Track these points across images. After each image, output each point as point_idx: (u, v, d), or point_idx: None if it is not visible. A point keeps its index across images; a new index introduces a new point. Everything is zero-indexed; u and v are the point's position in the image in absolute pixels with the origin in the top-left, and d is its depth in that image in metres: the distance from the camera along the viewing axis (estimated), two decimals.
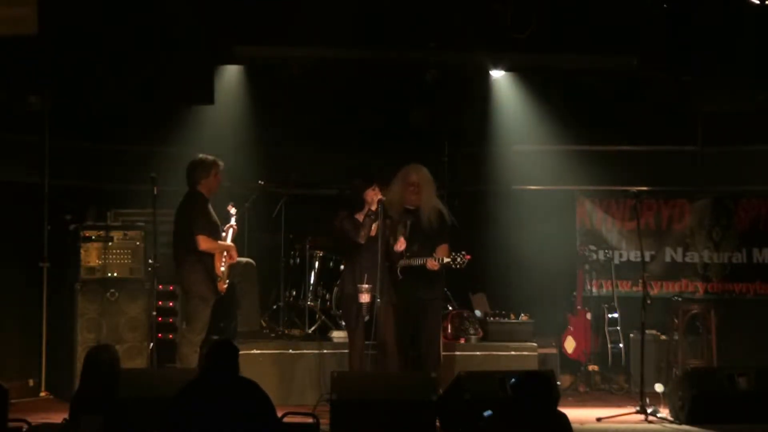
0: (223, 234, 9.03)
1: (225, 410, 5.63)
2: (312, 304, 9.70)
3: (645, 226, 10.71)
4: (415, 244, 8.64)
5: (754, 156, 10.78)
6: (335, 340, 9.37)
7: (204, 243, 8.73)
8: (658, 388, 9.30)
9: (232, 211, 9.19)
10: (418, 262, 8.58)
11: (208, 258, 8.83)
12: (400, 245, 8.48)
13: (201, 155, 9.20)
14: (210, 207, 9.03)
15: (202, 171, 8.92)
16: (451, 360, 9.33)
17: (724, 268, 10.86)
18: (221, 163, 9.16)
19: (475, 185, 11.17)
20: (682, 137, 10.95)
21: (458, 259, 8.50)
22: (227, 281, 8.98)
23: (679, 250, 10.92)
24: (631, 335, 10.31)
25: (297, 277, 9.88)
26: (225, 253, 8.91)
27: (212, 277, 8.85)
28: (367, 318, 8.30)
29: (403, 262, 8.63)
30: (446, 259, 8.51)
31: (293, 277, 9.90)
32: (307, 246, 9.82)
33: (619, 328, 10.35)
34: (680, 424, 8.35)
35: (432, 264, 8.54)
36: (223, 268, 8.88)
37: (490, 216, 10.98)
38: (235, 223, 9.17)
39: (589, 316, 10.41)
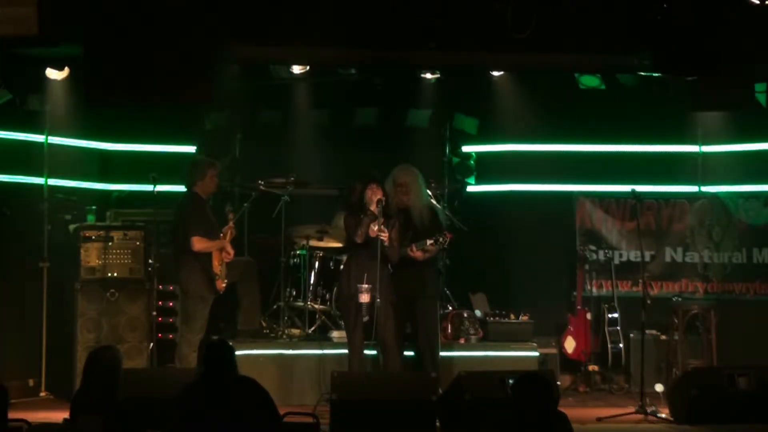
0: (221, 235, 9.05)
1: (226, 410, 5.65)
2: (312, 304, 9.70)
3: (645, 226, 10.71)
4: (407, 241, 8.65)
5: (754, 156, 10.79)
6: (335, 340, 9.37)
7: (198, 243, 8.78)
8: (658, 388, 9.32)
9: (231, 215, 9.23)
10: (404, 252, 8.58)
11: (205, 257, 8.86)
12: (384, 235, 8.41)
13: (198, 156, 9.20)
14: (207, 207, 9.06)
15: (197, 172, 8.99)
16: (451, 360, 9.33)
17: (724, 268, 10.86)
18: (217, 164, 9.20)
19: (475, 185, 11.17)
20: (682, 137, 10.95)
21: (440, 240, 8.52)
22: (225, 280, 9.01)
23: (679, 250, 10.92)
24: (631, 335, 10.31)
25: (297, 277, 9.88)
26: (222, 252, 8.95)
27: (210, 276, 8.88)
28: (366, 318, 8.30)
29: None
30: (429, 242, 8.53)
31: (293, 277, 9.89)
32: (307, 246, 9.82)
33: (619, 328, 10.35)
34: (680, 424, 8.36)
35: (414, 253, 8.55)
36: (220, 267, 8.90)
37: (490, 216, 10.97)
38: (233, 225, 9.19)
39: (589, 316, 10.42)
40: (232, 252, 9.04)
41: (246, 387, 5.85)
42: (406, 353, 8.94)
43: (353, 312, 8.44)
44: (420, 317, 8.78)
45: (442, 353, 9.16)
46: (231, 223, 9.18)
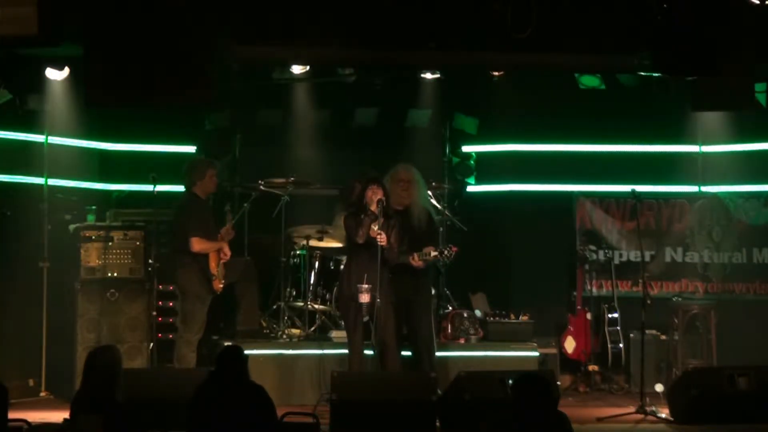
0: (219, 236, 9.06)
1: (227, 415, 5.70)
2: (312, 304, 9.69)
3: (645, 226, 10.72)
4: (404, 245, 8.62)
5: (754, 156, 10.79)
6: (335, 340, 9.37)
7: (197, 244, 8.80)
8: (658, 388, 9.33)
9: (229, 216, 9.24)
10: (404, 258, 8.58)
11: (203, 258, 8.88)
12: (382, 239, 8.38)
13: (196, 157, 9.19)
14: (206, 208, 9.07)
15: (196, 173, 9.00)
16: (451, 360, 9.33)
17: (724, 268, 10.86)
18: (216, 164, 9.21)
19: (475, 185, 11.17)
20: (682, 137, 10.95)
21: (445, 252, 8.52)
22: (222, 280, 9.01)
23: (679, 250, 10.93)
24: (631, 335, 10.31)
25: (297, 277, 9.88)
26: (220, 252, 8.96)
27: (207, 276, 8.89)
28: (366, 318, 8.29)
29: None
30: (433, 253, 8.54)
31: (293, 277, 9.90)
32: (307, 246, 9.82)
33: (619, 328, 10.35)
34: (680, 424, 8.36)
35: (417, 262, 8.55)
36: (217, 268, 8.91)
37: (490, 216, 10.98)
38: (229, 226, 9.20)
39: (589, 316, 10.41)
40: (229, 253, 9.05)
41: (250, 394, 5.90)
42: (402, 353, 8.93)
43: (353, 312, 8.42)
44: (416, 318, 8.77)
45: (442, 353, 9.17)
46: (228, 225, 9.19)
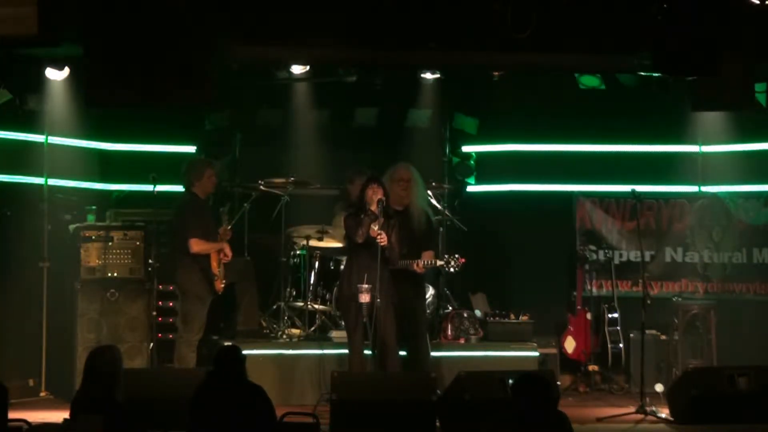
0: (218, 237, 9.06)
1: (226, 415, 5.71)
2: (312, 304, 9.69)
3: (645, 226, 10.71)
4: (404, 247, 8.61)
5: (754, 156, 10.79)
6: (335, 340, 9.37)
7: (196, 245, 8.80)
8: (658, 388, 9.32)
9: (225, 217, 9.25)
10: (404, 264, 8.56)
11: (204, 258, 8.88)
12: (382, 239, 8.32)
13: (194, 157, 9.17)
14: (205, 208, 9.07)
15: (194, 173, 9.01)
16: (451, 360, 9.33)
17: (724, 268, 10.86)
18: (215, 164, 9.21)
19: (475, 185, 11.17)
20: (682, 137, 10.95)
21: (452, 263, 8.52)
22: (224, 280, 9.01)
23: (679, 250, 10.92)
24: (631, 335, 10.30)
25: (297, 277, 9.88)
26: (220, 252, 8.96)
27: (208, 276, 8.89)
28: (365, 319, 8.29)
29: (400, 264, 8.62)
30: (439, 262, 8.54)
31: (293, 277, 9.90)
32: (307, 246, 9.82)
33: (619, 328, 10.35)
34: (680, 424, 8.35)
35: (419, 269, 8.54)
36: (219, 268, 8.91)
37: (490, 216, 10.98)
38: (228, 226, 9.20)
39: (589, 316, 10.42)
40: (230, 254, 9.05)
41: (249, 395, 5.91)
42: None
43: (353, 312, 8.42)
44: (417, 320, 8.76)
45: (442, 353, 9.17)
46: (225, 225, 9.19)
